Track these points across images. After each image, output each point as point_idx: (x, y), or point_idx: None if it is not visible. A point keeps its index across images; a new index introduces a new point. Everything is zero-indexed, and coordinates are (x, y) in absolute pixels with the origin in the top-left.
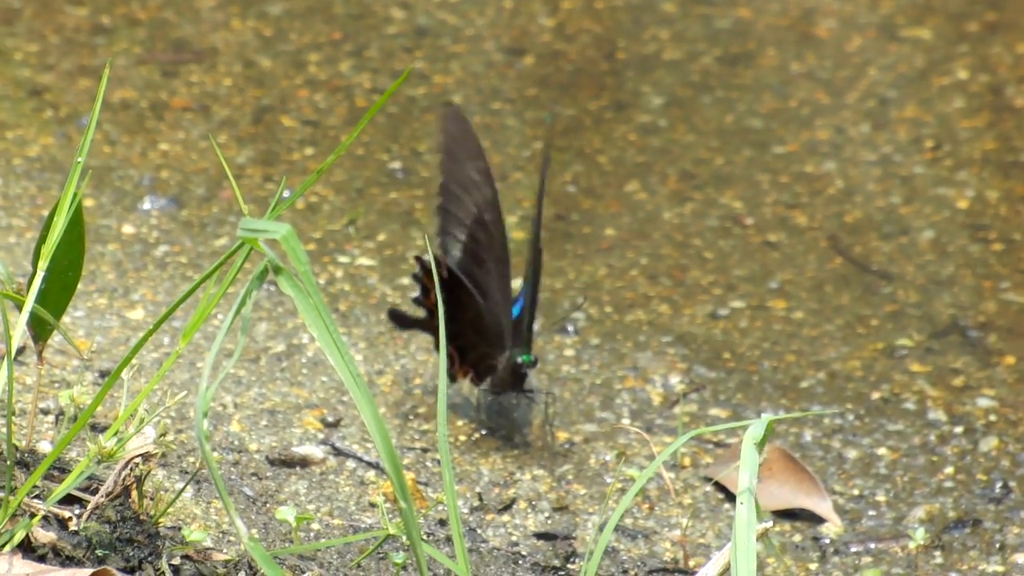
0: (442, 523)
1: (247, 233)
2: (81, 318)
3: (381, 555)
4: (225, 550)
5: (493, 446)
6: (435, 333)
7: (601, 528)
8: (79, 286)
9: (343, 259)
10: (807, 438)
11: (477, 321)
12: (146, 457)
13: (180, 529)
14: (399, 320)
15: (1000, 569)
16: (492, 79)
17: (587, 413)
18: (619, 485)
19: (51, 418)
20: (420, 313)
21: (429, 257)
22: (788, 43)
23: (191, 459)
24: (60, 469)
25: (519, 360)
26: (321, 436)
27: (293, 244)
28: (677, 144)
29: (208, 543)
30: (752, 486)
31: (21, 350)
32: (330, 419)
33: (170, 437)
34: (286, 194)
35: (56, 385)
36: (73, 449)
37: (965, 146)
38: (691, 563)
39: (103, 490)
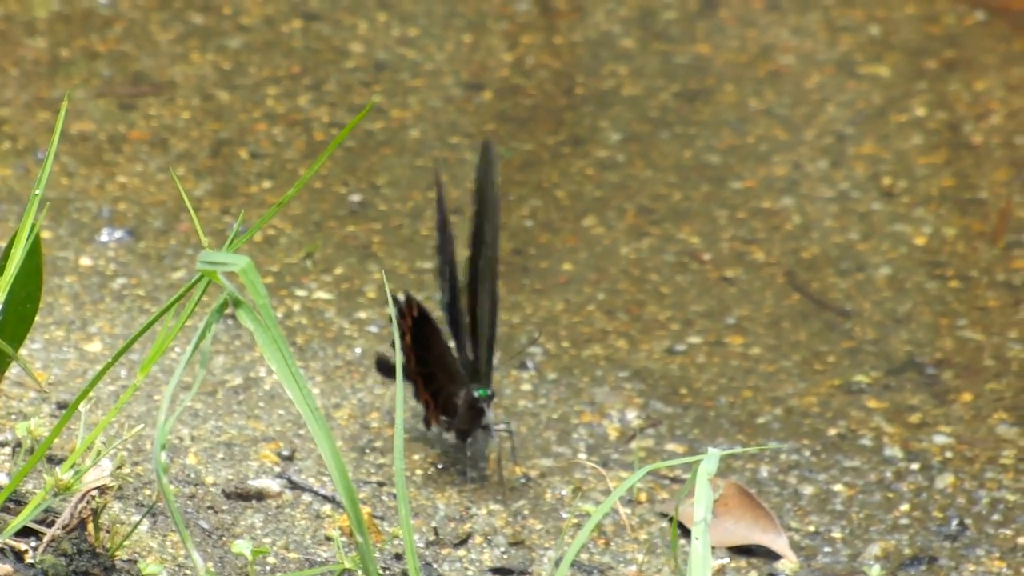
0: (398, 557)
1: (206, 266)
2: (38, 350)
3: None
4: None
5: (449, 480)
6: (412, 380)
7: (557, 563)
8: (36, 318)
9: (300, 292)
10: (763, 474)
11: (444, 359)
12: (103, 490)
13: (136, 562)
14: (386, 370)
15: None
16: (450, 113)
17: (544, 448)
18: (575, 520)
19: (7, 450)
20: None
21: (403, 297)
22: (746, 80)
23: (147, 492)
24: (16, 501)
25: (476, 394)
26: (277, 469)
27: (252, 277)
28: (635, 179)
29: None
30: (706, 520)
31: None
32: (286, 452)
33: (127, 470)
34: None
35: (13, 417)
36: (29, 481)
37: (922, 183)
38: None
39: (59, 523)
